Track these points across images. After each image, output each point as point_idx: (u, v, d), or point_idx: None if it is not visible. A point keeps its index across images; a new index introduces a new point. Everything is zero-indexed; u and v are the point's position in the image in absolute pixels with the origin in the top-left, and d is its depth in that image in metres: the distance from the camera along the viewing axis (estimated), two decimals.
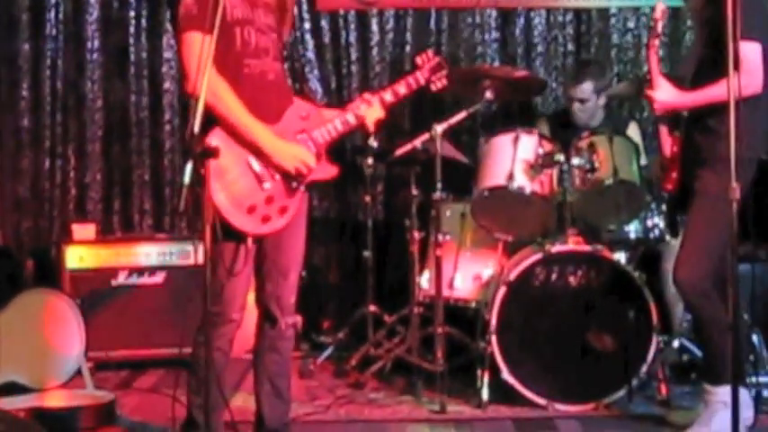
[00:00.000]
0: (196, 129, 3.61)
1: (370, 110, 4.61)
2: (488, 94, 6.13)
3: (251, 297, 4.59)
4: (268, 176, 4.29)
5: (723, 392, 4.76)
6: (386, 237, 7.16)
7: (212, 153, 3.62)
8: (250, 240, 4.29)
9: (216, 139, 4.12)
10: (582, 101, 6.50)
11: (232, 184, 4.18)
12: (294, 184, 4.37)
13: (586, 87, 6.48)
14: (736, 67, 3.99)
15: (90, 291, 6.49)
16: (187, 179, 3.57)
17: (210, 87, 4.02)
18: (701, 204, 4.89)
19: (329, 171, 4.53)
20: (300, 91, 4.50)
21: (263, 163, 4.28)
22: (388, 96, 4.68)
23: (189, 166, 3.58)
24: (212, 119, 4.14)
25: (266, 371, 4.59)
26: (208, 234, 3.59)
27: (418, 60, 4.87)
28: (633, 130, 6.54)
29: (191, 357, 4.48)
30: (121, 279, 6.62)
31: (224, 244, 4.07)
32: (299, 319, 4.67)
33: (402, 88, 4.74)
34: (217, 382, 4.18)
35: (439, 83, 4.89)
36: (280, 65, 4.52)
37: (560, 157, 5.83)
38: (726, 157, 3.93)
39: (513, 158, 5.85)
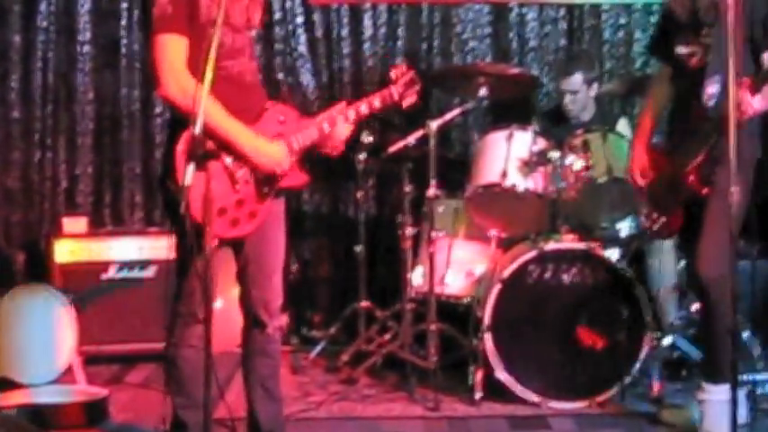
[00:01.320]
0: (197, 131, 3.57)
1: (344, 126, 4.51)
2: (483, 91, 6.13)
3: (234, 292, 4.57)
4: (241, 180, 4.23)
5: (723, 391, 4.78)
6: (377, 232, 7.13)
7: (213, 155, 3.60)
8: (216, 242, 4.22)
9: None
10: (573, 92, 6.51)
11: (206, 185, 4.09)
12: (265, 190, 4.30)
13: (576, 79, 6.49)
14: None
15: (80, 284, 6.45)
16: (188, 181, 3.54)
17: (186, 90, 3.99)
18: (720, 201, 4.85)
19: (300, 178, 4.45)
20: (291, 87, 4.43)
21: (239, 165, 4.21)
22: (363, 109, 4.58)
23: (190, 168, 3.55)
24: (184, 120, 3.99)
25: (257, 374, 4.56)
26: (210, 236, 3.57)
27: (392, 74, 4.76)
28: (623, 127, 6.53)
29: (166, 359, 4.46)
30: (112, 273, 6.60)
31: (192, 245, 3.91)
32: (285, 319, 4.67)
33: (377, 102, 4.63)
34: (196, 380, 4.13)
35: (410, 99, 4.79)
36: (255, 64, 4.46)
37: (554, 155, 5.86)
38: (747, 157, 3.97)
39: (507, 155, 5.87)
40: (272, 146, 4.28)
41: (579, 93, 6.50)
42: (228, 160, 4.18)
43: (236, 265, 4.42)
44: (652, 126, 5.23)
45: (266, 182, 4.28)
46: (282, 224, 4.49)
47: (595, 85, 6.59)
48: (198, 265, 3.86)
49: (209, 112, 4.01)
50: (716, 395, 4.92)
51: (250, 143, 4.20)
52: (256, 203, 4.29)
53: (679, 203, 4.97)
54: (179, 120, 4.07)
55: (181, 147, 3.99)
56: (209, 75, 3.66)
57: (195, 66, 3.99)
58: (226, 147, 4.15)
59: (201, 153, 3.58)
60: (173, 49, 4.10)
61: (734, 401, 3.95)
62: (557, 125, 6.59)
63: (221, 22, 3.77)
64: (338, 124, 4.47)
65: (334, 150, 4.53)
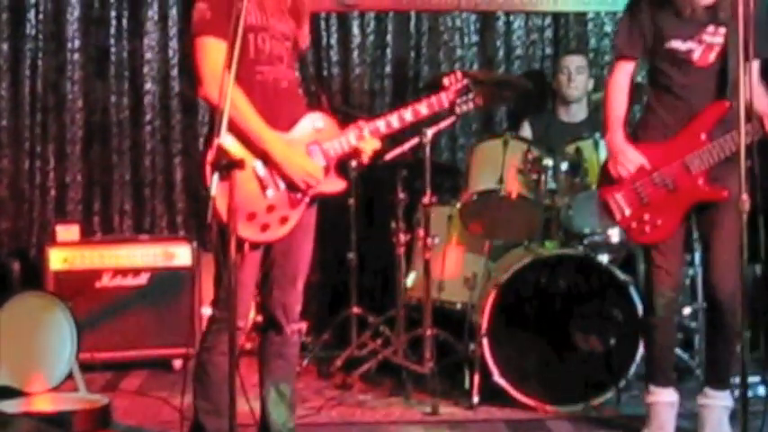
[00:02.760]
0: (221, 139, 3.62)
1: (372, 141, 4.53)
2: (478, 100, 6.18)
3: None
4: (272, 184, 4.26)
5: (726, 396, 4.88)
6: (368, 239, 7.18)
7: (238, 164, 3.63)
8: (247, 246, 4.25)
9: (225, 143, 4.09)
10: (578, 69, 6.76)
11: (241, 193, 4.10)
12: (298, 196, 4.35)
13: (580, 58, 6.70)
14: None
15: (74, 292, 6.45)
16: (213, 190, 3.58)
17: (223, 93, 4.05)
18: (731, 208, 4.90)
19: (337, 185, 4.49)
20: (318, 100, 4.45)
21: (270, 170, 4.25)
22: (408, 116, 4.57)
23: (215, 177, 3.59)
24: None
25: (272, 377, 4.59)
26: (233, 245, 3.60)
27: (445, 81, 4.74)
28: None
29: (197, 363, 4.46)
30: (106, 281, 6.62)
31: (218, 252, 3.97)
32: (303, 324, 4.67)
33: (424, 108, 4.63)
34: (223, 387, 4.17)
35: (465, 106, 4.86)
36: (293, 73, 4.50)
37: (548, 162, 5.94)
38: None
39: (502, 163, 5.93)
40: (303, 158, 4.32)
41: (583, 72, 6.69)
42: (259, 166, 4.21)
43: (261, 267, 4.43)
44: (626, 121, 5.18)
45: (298, 189, 4.32)
46: (312, 232, 4.53)
47: (592, 81, 6.72)
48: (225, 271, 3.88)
49: (244, 116, 4.09)
50: (719, 401, 5.01)
51: (282, 152, 4.24)
52: (288, 209, 4.32)
53: (683, 207, 4.93)
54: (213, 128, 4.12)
55: (210, 156, 4.03)
56: (231, 83, 3.71)
57: (236, 70, 4.06)
58: (257, 152, 4.20)
59: (225, 162, 3.61)
60: (212, 51, 4.13)
61: (744, 408, 4.01)
62: (546, 129, 6.69)
63: (241, 29, 3.80)
64: (365, 137, 4.50)
65: (363, 161, 4.59)
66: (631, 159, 4.91)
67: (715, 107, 4.85)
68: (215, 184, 3.59)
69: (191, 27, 4.28)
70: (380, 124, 4.53)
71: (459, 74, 4.81)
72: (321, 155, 4.40)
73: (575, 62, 6.85)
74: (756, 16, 4.32)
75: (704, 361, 5.46)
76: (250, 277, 4.33)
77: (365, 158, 4.56)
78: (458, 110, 4.85)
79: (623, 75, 5.06)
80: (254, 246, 4.30)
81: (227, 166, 3.61)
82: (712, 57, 4.86)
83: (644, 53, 5.02)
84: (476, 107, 4.97)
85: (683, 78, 4.91)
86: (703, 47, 4.87)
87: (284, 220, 4.32)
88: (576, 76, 6.81)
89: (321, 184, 4.38)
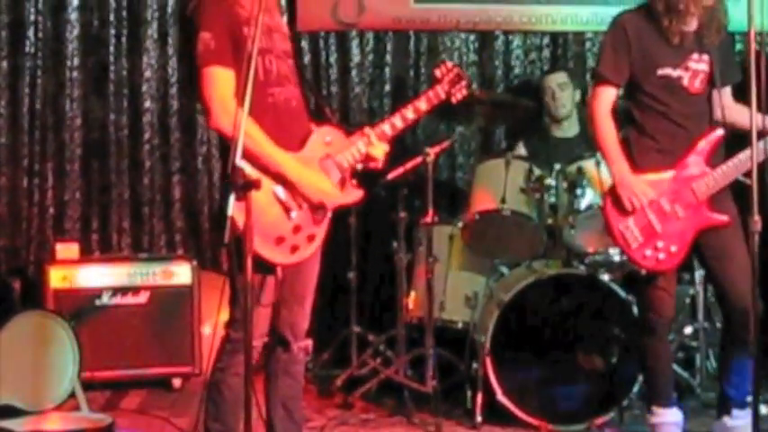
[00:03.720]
0: (237, 161, 3.62)
1: (381, 145, 4.51)
2: (480, 120, 6.22)
3: None
4: (295, 205, 4.24)
5: (746, 415, 4.90)
6: (369, 257, 7.18)
7: (254, 185, 3.63)
8: (279, 271, 4.27)
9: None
10: (560, 86, 6.77)
11: (260, 216, 4.03)
12: (320, 214, 4.33)
13: (561, 75, 6.72)
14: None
15: (74, 310, 6.44)
16: (230, 211, 3.58)
17: (233, 120, 4.05)
18: (738, 229, 4.94)
19: (355, 195, 4.48)
20: (322, 113, 4.46)
21: (289, 192, 4.24)
22: (410, 114, 4.57)
23: (232, 199, 3.59)
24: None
25: (279, 394, 4.57)
26: (249, 265, 3.60)
27: (437, 73, 4.74)
28: None
29: (210, 383, 4.42)
30: (105, 299, 6.61)
31: (253, 275, 3.90)
32: (310, 342, 4.66)
33: (423, 104, 4.62)
34: (236, 408, 4.18)
35: (459, 94, 4.77)
36: (299, 91, 4.48)
37: (551, 182, 5.96)
38: None
39: (504, 183, 5.95)
40: (318, 176, 4.31)
41: (567, 88, 6.68)
42: (279, 189, 4.19)
43: (278, 289, 4.38)
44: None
45: (319, 206, 4.31)
46: (319, 250, 4.49)
47: (578, 93, 6.76)
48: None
49: (256, 141, 4.06)
50: (741, 420, 5.03)
51: (296, 172, 4.22)
52: (314, 226, 4.31)
53: (692, 233, 4.97)
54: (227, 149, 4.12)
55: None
56: (247, 105, 3.71)
57: (242, 96, 4.05)
58: (274, 176, 4.18)
59: (242, 183, 3.61)
60: (220, 81, 4.12)
61: (755, 425, 4.03)
62: (542, 146, 6.72)
63: (256, 52, 3.80)
64: (373, 142, 4.48)
65: (377, 167, 4.57)
66: (644, 191, 4.94)
67: (713, 133, 4.93)
68: (231, 204, 3.59)
69: (194, 56, 4.22)
70: (386, 127, 4.52)
71: (448, 63, 4.80)
72: (335, 168, 4.39)
73: (555, 80, 6.88)
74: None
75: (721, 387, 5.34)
76: (269, 299, 4.32)
77: (379, 163, 4.55)
78: (454, 99, 4.78)
79: (607, 101, 5.07)
80: (273, 267, 4.29)
81: (244, 187, 3.61)
82: (698, 83, 4.97)
83: (628, 80, 5.05)
84: (468, 93, 4.86)
85: (681, 106, 4.98)
86: (690, 74, 4.97)
87: (312, 238, 4.32)
88: (559, 93, 6.84)
89: (339, 198, 4.38)
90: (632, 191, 4.94)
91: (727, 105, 5.00)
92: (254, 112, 4.05)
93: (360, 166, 4.53)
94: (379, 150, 4.51)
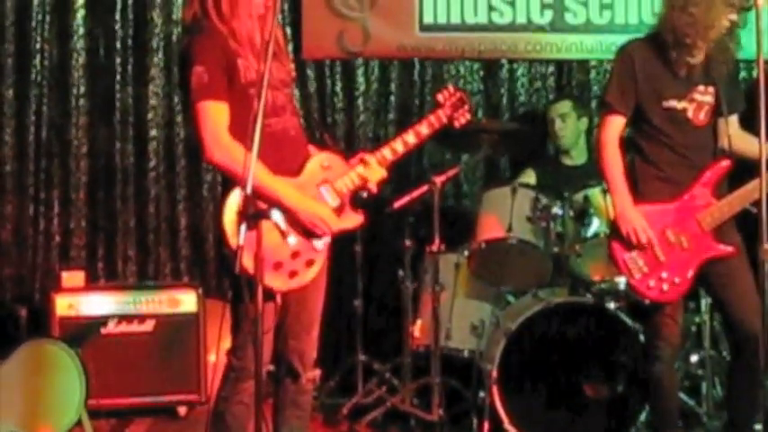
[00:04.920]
0: (248, 190, 3.62)
1: (379, 169, 4.51)
2: (487, 148, 6.23)
3: None
4: (292, 231, 4.26)
5: None
6: (375, 285, 7.18)
7: (264, 214, 3.65)
8: (279, 297, 4.28)
9: (237, 198, 4.07)
10: (562, 116, 6.68)
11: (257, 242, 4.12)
12: (318, 240, 4.34)
13: (565, 104, 6.72)
14: None
15: (75, 335, 6.42)
16: (242, 241, 3.58)
17: (231, 154, 4.06)
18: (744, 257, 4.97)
19: (355, 220, 4.48)
20: (320, 139, 4.46)
21: (287, 218, 4.25)
22: (411, 138, 4.58)
23: (243, 228, 3.59)
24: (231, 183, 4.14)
25: (287, 424, 4.56)
26: (260, 294, 3.61)
27: (439, 98, 4.76)
28: None
29: (214, 413, 4.40)
30: (111, 327, 6.60)
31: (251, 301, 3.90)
32: (318, 372, 4.67)
33: (424, 128, 4.63)
34: None
35: (462, 118, 4.79)
36: (297, 119, 4.50)
37: (557, 210, 5.97)
38: None
39: (510, 211, 5.96)
40: (314, 203, 4.32)
41: (569, 118, 6.68)
42: (276, 215, 4.18)
43: (278, 315, 4.40)
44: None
45: (316, 232, 4.30)
46: (324, 277, 4.51)
47: (585, 120, 6.76)
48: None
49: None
50: None
51: (293, 198, 4.22)
52: (312, 251, 4.31)
53: (696, 264, 4.97)
54: (226, 182, 4.13)
55: (227, 211, 4.05)
56: (257, 137, 3.71)
57: (238, 128, 4.07)
58: (270, 202, 4.16)
59: (253, 212, 3.62)
60: (214, 115, 4.14)
61: None
62: (551, 174, 6.72)
63: (266, 84, 3.81)
64: (372, 167, 4.49)
65: (372, 191, 4.54)
66: (644, 227, 4.95)
67: (719, 164, 4.95)
68: (243, 234, 3.59)
69: (188, 90, 4.22)
70: (387, 152, 4.53)
71: (451, 87, 4.82)
72: (333, 194, 4.40)
73: (558, 110, 6.87)
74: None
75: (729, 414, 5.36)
76: (269, 325, 4.32)
77: (373, 187, 4.52)
78: (456, 123, 4.79)
79: (615, 131, 5.08)
80: (273, 294, 4.29)
81: (255, 216, 3.61)
82: (702, 115, 4.99)
83: (634, 110, 5.06)
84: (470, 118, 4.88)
85: (684, 138, 5.00)
86: (694, 106, 4.99)
87: (310, 263, 4.32)
88: (560, 124, 6.83)
89: (336, 223, 4.37)
90: (632, 225, 4.95)
91: (733, 134, 5.02)
92: (250, 144, 4.04)
93: (365, 194, 4.53)
94: (376, 174, 4.50)
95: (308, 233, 4.30)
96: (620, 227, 4.98)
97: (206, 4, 4.26)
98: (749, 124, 4.94)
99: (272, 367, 4.63)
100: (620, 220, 4.99)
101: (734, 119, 5.11)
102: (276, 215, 4.21)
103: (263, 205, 3.85)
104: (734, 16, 4.90)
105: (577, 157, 6.90)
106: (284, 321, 4.47)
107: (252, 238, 3.69)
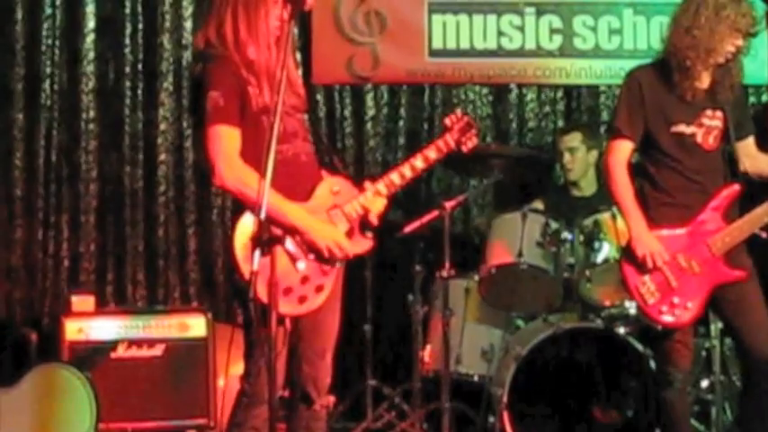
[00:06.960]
0: (262, 216, 3.63)
1: (378, 200, 4.47)
2: (497, 174, 6.24)
3: None
4: (302, 256, 4.23)
5: None
6: (384, 310, 7.18)
7: (278, 240, 3.65)
8: (288, 322, 4.27)
9: (249, 223, 4.06)
10: (571, 150, 6.65)
11: (267, 268, 3.92)
12: (328, 265, 4.32)
13: (575, 136, 6.66)
14: None
15: (83, 359, 6.43)
16: (256, 266, 3.58)
17: (242, 179, 4.07)
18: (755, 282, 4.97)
19: (363, 245, 4.45)
20: (330, 164, 4.46)
21: (297, 243, 4.23)
22: (419, 163, 4.54)
23: (257, 254, 3.59)
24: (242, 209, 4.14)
25: None
26: (274, 320, 3.61)
27: (447, 122, 4.73)
28: None
29: None
30: (120, 351, 6.59)
31: (262, 327, 3.88)
32: (332, 399, 4.65)
33: (433, 153, 4.59)
34: None
35: (470, 143, 4.75)
36: (309, 145, 4.47)
37: (567, 236, 5.97)
38: None
39: (521, 236, 5.96)
40: (327, 226, 4.30)
41: (578, 152, 6.64)
42: (286, 240, 4.17)
43: (289, 340, 4.37)
44: None
45: (328, 256, 4.29)
46: (339, 299, 4.47)
47: (595, 152, 6.72)
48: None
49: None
50: None
51: (305, 222, 4.21)
52: (322, 277, 4.29)
53: (708, 289, 4.94)
54: (236, 207, 4.12)
55: (238, 236, 4.05)
56: (270, 163, 3.72)
57: (249, 155, 4.08)
58: (282, 227, 4.15)
59: (267, 238, 3.62)
60: (226, 139, 4.13)
61: None
62: (561, 204, 6.71)
63: (280, 110, 3.82)
64: (382, 192, 4.46)
65: (372, 222, 4.49)
66: (660, 252, 4.91)
67: (729, 189, 4.94)
68: (257, 259, 3.59)
69: (201, 115, 4.21)
70: (394, 177, 4.49)
71: (459, 112, 4.80)
72: (343, 218, 4.37)
73: (567, 142, 6.77)
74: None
75: None
76: (278, 349, 4.30)
77: (374, 219, 4.48)
78: (464, 148, 4.76)
79: (623, 155, 5.05)
80: (281, 318, 4.27)
81: (269, 242, 3.62)
82: (711, 140, 4.98)
83: (643, 136, 5.05)
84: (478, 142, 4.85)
85: (694, 163, 4.98)
86: (703, 130, 4.97)
87: (320, 288, 4.30)
88: (569, 157, 6.74)
89: (348, 248, 4.34)
90: (649, 249, 4.91)
91: (751, 155, 5.03)
92: (262, 170, 4.03)
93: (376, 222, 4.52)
94: (377, 205, 4.48)
95: (320, 258, 4.29)
96: (635, 250, 4.93)
97: (223, 31, 4.27)
98: (762, 148, 4.98)
99: (284, 392, 4.64)
100: (636, 243, 4.95)
101: (750, 141, 5.11)
102: (286, 241, 4.22)
103: (276, 231, 3.84)
104: (740, 42, 4.90)
105: (586, 188, 6.85)
106: (297, 347, 4.45)
107: (264, 263, 3.69)
